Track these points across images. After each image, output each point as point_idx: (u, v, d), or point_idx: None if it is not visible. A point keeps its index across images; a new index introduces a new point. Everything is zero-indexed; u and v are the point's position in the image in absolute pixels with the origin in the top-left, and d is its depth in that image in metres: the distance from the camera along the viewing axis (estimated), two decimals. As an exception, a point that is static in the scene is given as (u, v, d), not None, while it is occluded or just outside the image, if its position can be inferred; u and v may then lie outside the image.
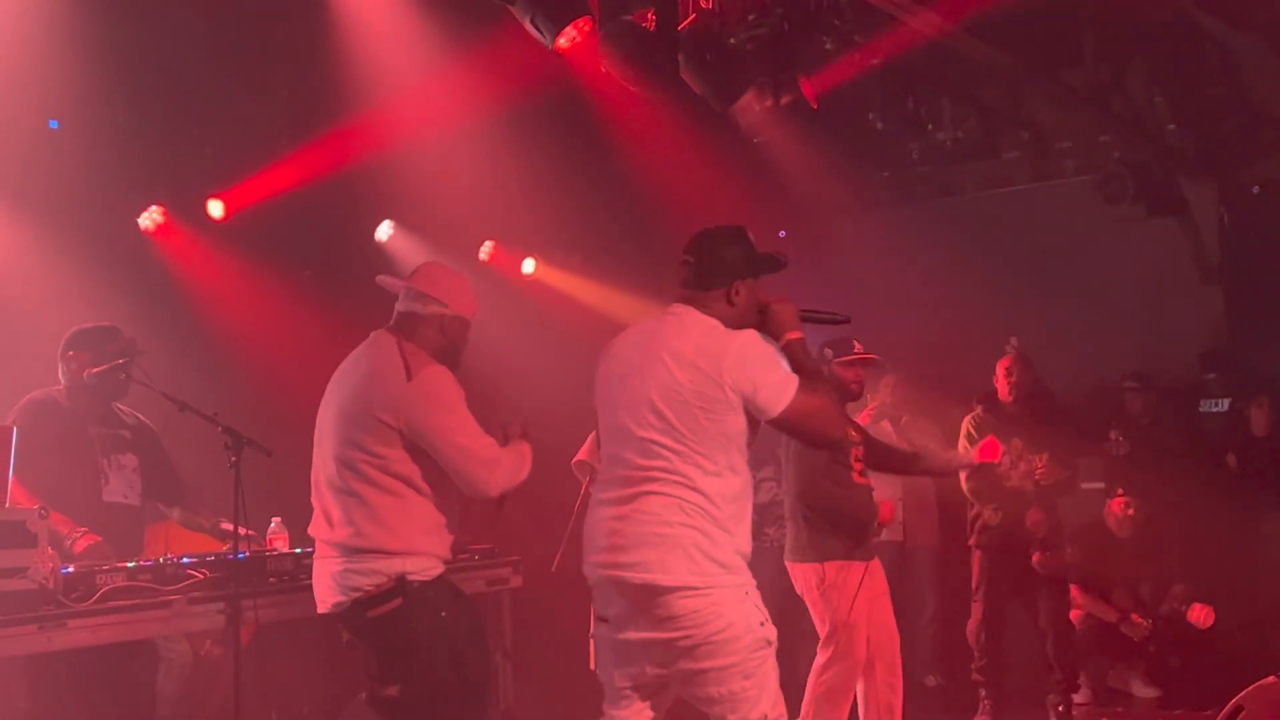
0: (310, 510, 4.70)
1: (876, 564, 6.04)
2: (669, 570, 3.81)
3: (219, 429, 5.11)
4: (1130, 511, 8.13)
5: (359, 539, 4.41)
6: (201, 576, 5.14)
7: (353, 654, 4.67)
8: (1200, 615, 7.79)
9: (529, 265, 9.45)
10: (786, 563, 6.04)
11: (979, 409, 7.62)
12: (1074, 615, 7.84)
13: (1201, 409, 8.86)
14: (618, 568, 3.92)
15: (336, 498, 4.48)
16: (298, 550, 5.56)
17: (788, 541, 6.07)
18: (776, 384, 3.85)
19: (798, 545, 5.98)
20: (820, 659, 5.91)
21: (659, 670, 3.96)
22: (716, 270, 4.03)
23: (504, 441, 4.68)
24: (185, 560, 5.21)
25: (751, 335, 3.94)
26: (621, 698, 4.06)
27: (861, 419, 8.14)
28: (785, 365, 3.91)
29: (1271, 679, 4.91)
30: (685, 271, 4.08)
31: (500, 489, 4.56)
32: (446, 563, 4.60)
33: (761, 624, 3.85)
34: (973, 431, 7.46)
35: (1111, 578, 8.06)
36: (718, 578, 3.83)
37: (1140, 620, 7.92)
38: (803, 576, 5.94)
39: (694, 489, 3.85)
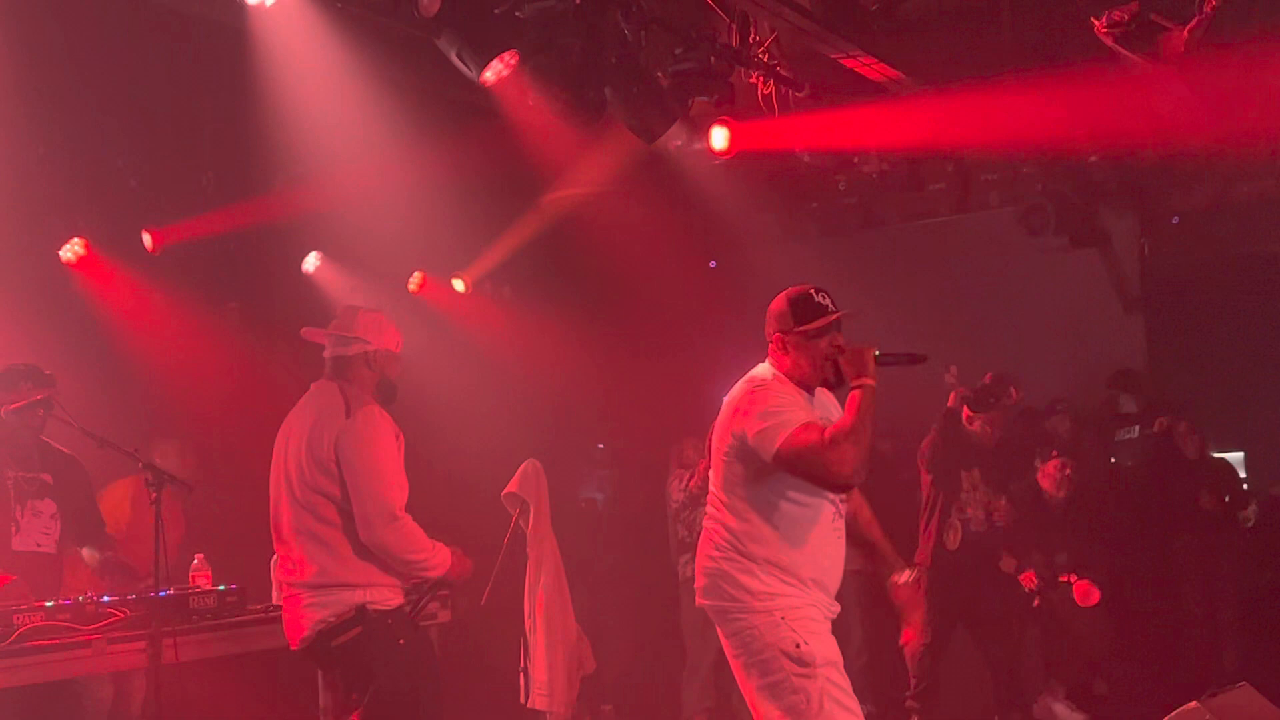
0: (235, 548, 4.68)
1: None
2: (710, 594, 4.25)
3: (139, 465, 5.03)
4: (1068, 471, 7.93)
5: (322, 576, 4.66)
6: (122, 615, 5.05)
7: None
8: (1082, 591, 7.77)
9: (459, 285, 9.41)
10: None
11: (935, 435, 7.68)
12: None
13: (1118, 436, 8.99)
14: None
15: (299, 540, 4.70)
16: (220, 588, 5.48)
17: None
18: (766, 429, 4.09)
19: None
20: None
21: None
22: (767, 325, 4.47)
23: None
24: (105, 599, 5.12)
25: (757, 384, 4.28)
26: None
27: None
28: (789, 411, 4.13)
29: (1194, 704, 4.99)
30: None
31: (382, 544, 4.65)
32: (406, 592, 4.84)
33: (798, 645, 4.09)
34: (935, 461, 7.58)
35: (1031, 541, 7.91)
36: (750, 603, 4.16)
37: (1032, 580, 7.67)
38: None
39: (722, 524, 4.26)
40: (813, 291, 4.46)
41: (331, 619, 4.64)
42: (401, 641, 4.70)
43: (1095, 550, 8.41)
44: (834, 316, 4.36)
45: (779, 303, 4.47)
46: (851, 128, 7.87)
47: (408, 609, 4.88)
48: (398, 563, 4.71)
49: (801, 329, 4.34)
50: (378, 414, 4.71)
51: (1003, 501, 7.67)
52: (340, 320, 4.92)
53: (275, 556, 5.13)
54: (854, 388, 4.20)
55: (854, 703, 4.15)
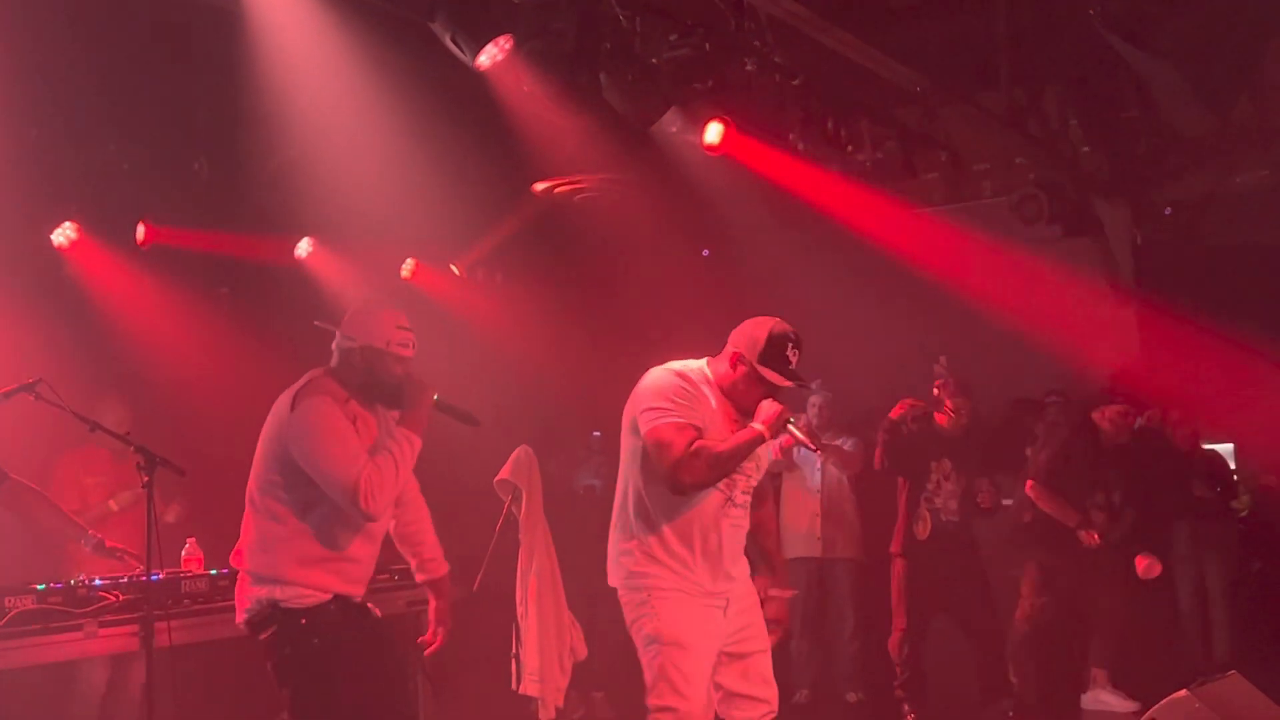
0: (227, 532, 4.67)
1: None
2: (610, 574, 4.71)
3: (131, 448, 5.02)
4: (1129, 420, 7.88)
5: (243, 562, 4.55)
6: (114, 599, 5.05)
7: (262, 677, 4.64)
8: (1144, 565, 7.81)
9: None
10: None
11: (908, 423, 7.74)
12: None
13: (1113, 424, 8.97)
14: None
15: (246, 524, 4.58)
16: (213, 572, 5.48)
17: None
18: (651, 411, 4.52)
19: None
20: None
21: None
22: (736, 335, 4.73)
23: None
24: (98, 582, 5.11)
25: (678, 374, 4.65)
26: None
27: (785, 441, 8.21)
28: (681, 408, 4.51)
29: (1184, 692, 5.00)
30: None
31: (367, 505, 4.37)
32: (343, 591, 4.57)
33: (652, 622, 4.54)
34: (900, 445, 7.63)
35: (1074, 488, 7.84)
36: (628, 582, 4.62)
37: (1093, 536, 7.62)
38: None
39: (618, 503, 4.72)
40: (790, 343, 4.68)
41: (253, 611, 4.49)
42: (316, 641, 4.46)
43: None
44: (786, 384, 4.61)
45: (759, 329, 4.68)
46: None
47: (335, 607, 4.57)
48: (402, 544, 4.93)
49: (759, 369, 4.61)
50: (317, 403, 4.44)
51: (986, 483, 7.69)
52: (347, 315, 4.78)
53: None
54: (752, 426, 4.55)
55: (692, 689, 4.49)
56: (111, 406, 6.63)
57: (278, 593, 4.44)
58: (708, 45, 6.65)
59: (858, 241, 10.08)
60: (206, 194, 7.59)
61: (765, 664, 4.76)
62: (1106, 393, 8.43)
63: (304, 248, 8.57)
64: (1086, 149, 9.33)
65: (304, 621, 4.45)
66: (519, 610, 6.80)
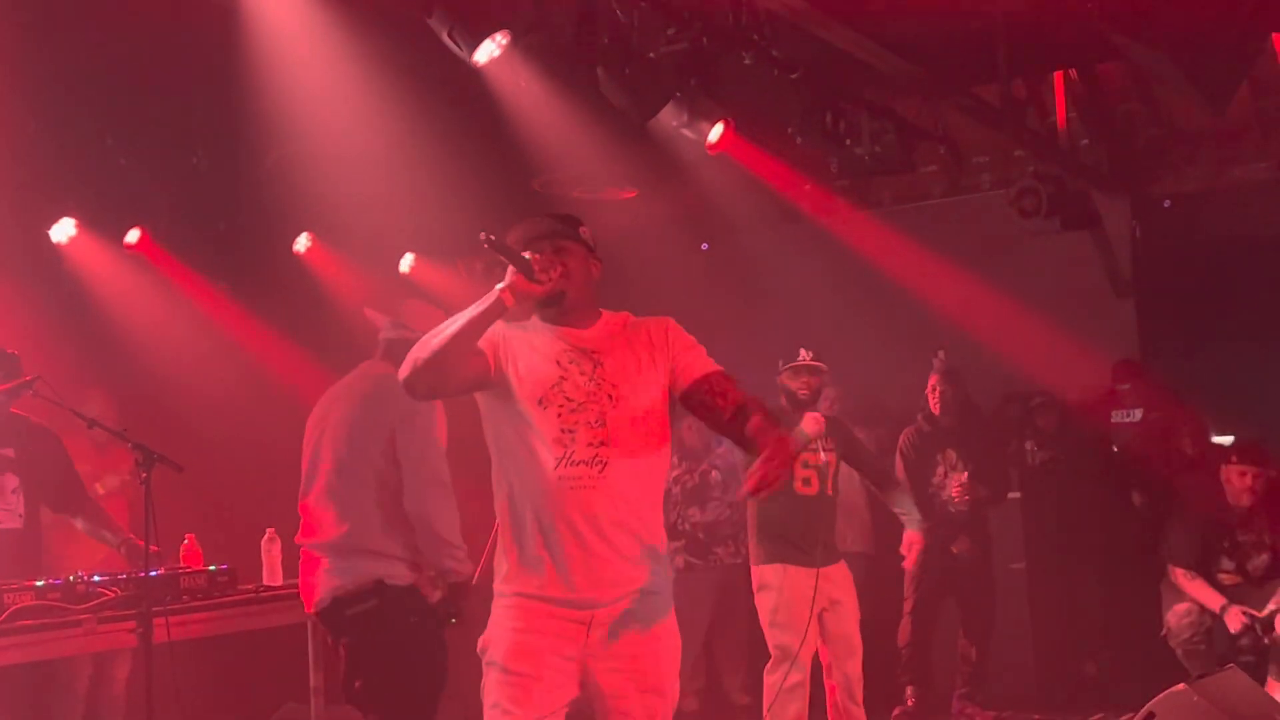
0: (226, 528, 4.69)
1: (835, 571, 6.24)
2: None
3: (128, 445, 5.03)
4: (1249, 481, 7.15)
5: (348, 539, 4.83)
6: (113, 595, 5.05)
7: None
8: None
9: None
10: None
11: (920, 421, 7.79)
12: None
13: (1113, 419, 8.99)
14: None
15: (330, 502, 4.90)
16: (211, 568, 5.49)
17: None
18: None
19: (751, 550, 6.40)
20: (769, 664, 6.18)
21: None
22: None
23: None
24: (96, 578, 5.12)
25: None
26: None
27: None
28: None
29: (1182, 686, 5.01)
30: None
31: (427, 514, 4.80)
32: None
33: (486, 637, 3.64)
34: (907, 448, 7.64)
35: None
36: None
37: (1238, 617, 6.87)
38: (754, 579, 6.33)
39: None
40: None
41: (350, 587, 4.77)
42: (413, 619, 4.81)
43: (1087, 534, 8.47)
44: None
45: None
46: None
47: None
48: (431, 537, 4.81)
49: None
50: (434, 403, 4.88)
51: (963, 476, 7.68)
52: (406, 309, 5.22)
53: (267, 534, 5.14)
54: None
55: (518, 714, 3.47)
56: (96, 399, 6.65)
57: (382, 569, 4.78)
58: (705, 39, 6.63)
59: (856, 235, 10.11)
60: (205, 189, 7.58)
61: None
62: (1108, 390, 8.46)
63: (303, 243, 8.56)
64: (1085, 142, 9.33)
65: (406, 600, 4.80)
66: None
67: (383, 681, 4.77)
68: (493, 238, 3.50)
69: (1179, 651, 6.95)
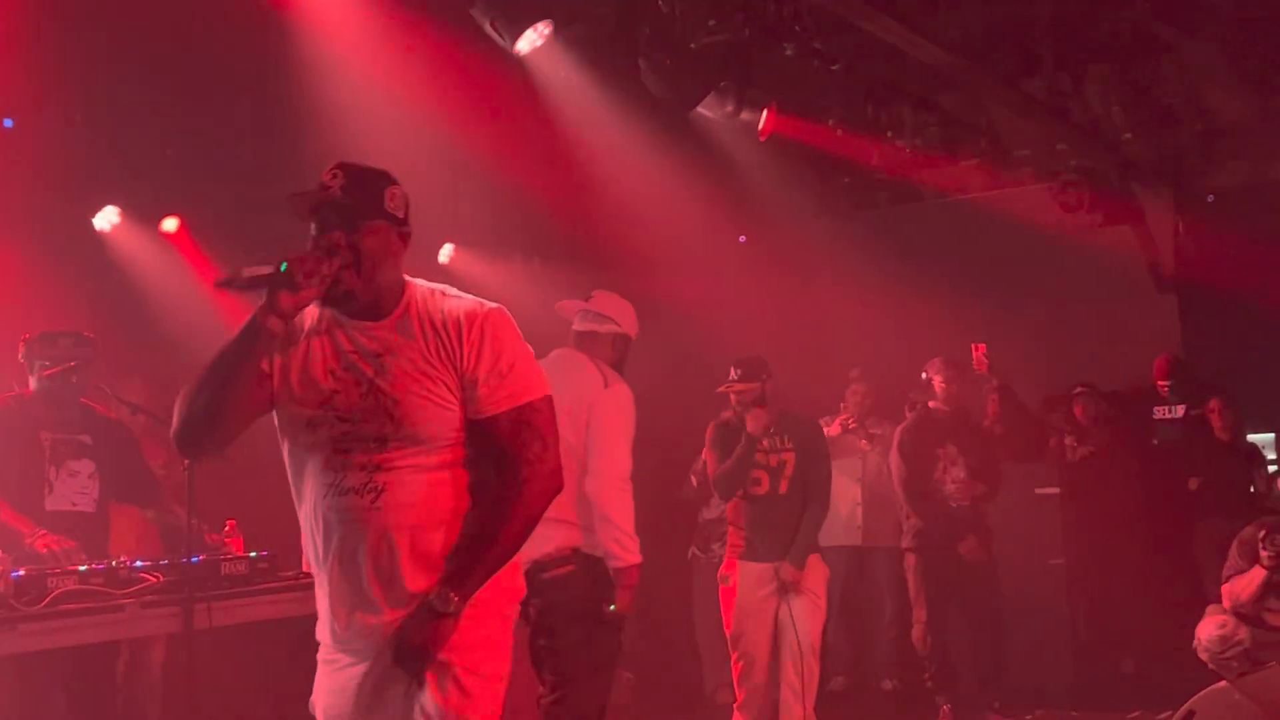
0: (266, 515, 4.71)
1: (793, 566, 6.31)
2: None
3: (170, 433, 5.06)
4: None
5: (550, 509, 4.86)
6: (155, 580, 5.08)
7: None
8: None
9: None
10: None
11: (915, 414, 7.72)
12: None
13: (1155, 415, 8.93)
14: None
15: None
16: (252, 554, 5.51)
17: None
18: None
19: None
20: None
21: None
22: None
23: None
24: (138, 564, 5.15)
25: None
26: None
27: (831, 431, 8.23)
28: None
29: (1223, 684, 4.97)
30: None
31: (603, 497, 4.96)
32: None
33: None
34: (906, 441, 7.57)
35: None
36: None
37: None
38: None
39: None
40: None
41: (549, 550, 4.91)
42: (602, 588, 5.00)
43: (1126, 530, 8.41)
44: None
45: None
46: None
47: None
48: (605, 522, 4.97)
49: None
50: (628, 391, 5.12)
51: (961, 474, 7.60)
52: (597, 299, 5.35)
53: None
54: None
55: None
56: (138, 385, 6.70)
57: (578, 538, 4.96)
58: (747, 30, 6.63)
59: (895, 229, 10.07)
60: (247, 179, 7.62)
61: None
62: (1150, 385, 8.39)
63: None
64: (1128, 135, 9.24)
65: (599, 567, 4.99)
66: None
67: (566, 642, 4.97)
68: (233, 281, 2.97)
69: (1210, 664, 6.89)
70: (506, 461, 3.02)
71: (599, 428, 5.01)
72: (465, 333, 3.00)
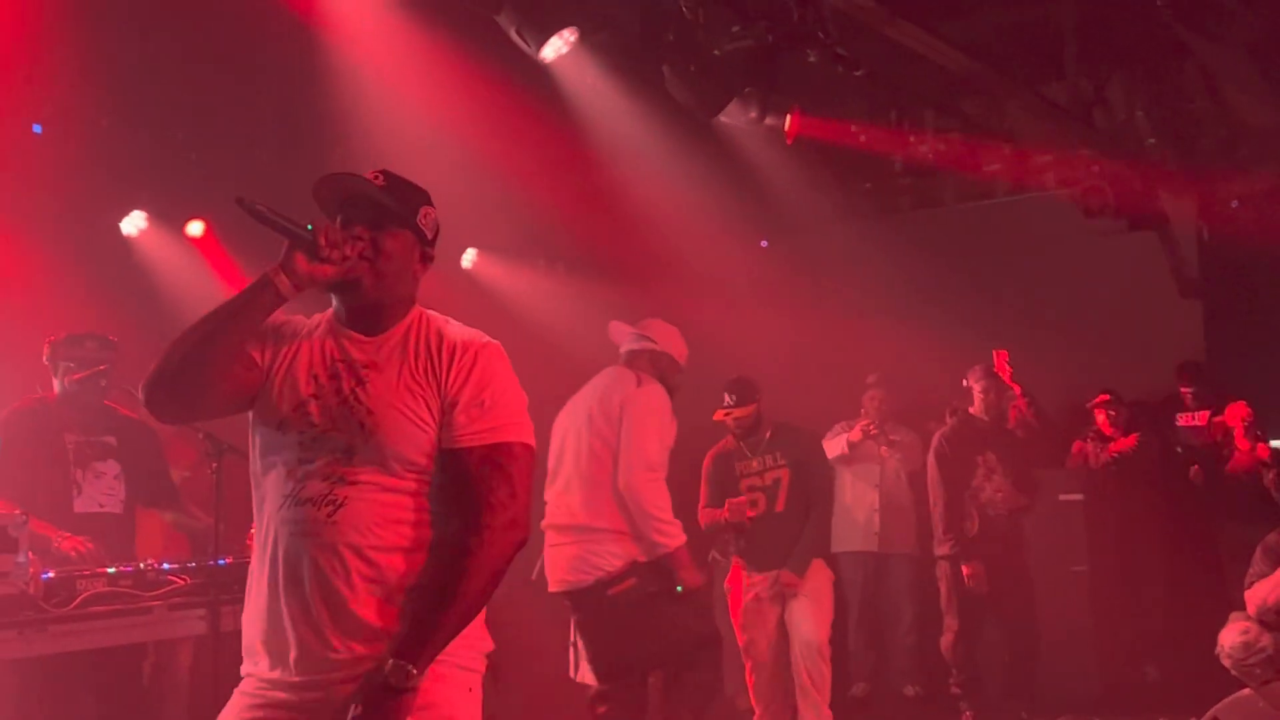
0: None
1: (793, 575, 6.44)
2: None
3: (199, 435, 5.10)
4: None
5: (598, 519, 5.24)
6: (182, 583, 5.12)
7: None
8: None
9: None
10: None
11: (955, 420, 7.68)
12: None
13: (1178, 422, 8.91)
14: None
15: (578, 486, 5.32)
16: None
17: None
18: None
19: None
20: None
21: None
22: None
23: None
24: (166, 566, 5.19)
25: None
26: None
27: (853, 436, 8.23)
28: None
29: (1247, 691, 4.96)
30: None
31: (634, 490, 5.16)
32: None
33: None
34: (944, 447, 7.51)
35: None
36: None
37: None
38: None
39: None
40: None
41: (610, 569, 5.18)
42: (664, 591, 5.21)
43: (1150, 537, 8.38)
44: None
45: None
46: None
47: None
48: (640, 514, 5.15)
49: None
50: (662, 391, 5.40)
51: (1008, 485, 7.50)
52: (643, 325, 5.71)
53: None
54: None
55: None
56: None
57: (637, 550, 5.18)
58: (770, 37, 6.65)
59: (916, 234, 10.07)
60: (273, 184, 7.66)
61: None
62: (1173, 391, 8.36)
63: (367, 237, 8.66)
64: (1152, 140, 9.23)
65: (658, 570, 5.20)
66: (577, 599, 6.85)
67: (655, 644, 5.22)
68: (258, 207, 2.80)
69: (1233, 671, 6.86)
70: (469, 502, 2.74)
71: (627, 423, 5.23)
72: (458, 357, 2.82)
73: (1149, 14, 7.64)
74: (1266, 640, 6.63)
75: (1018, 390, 8.08)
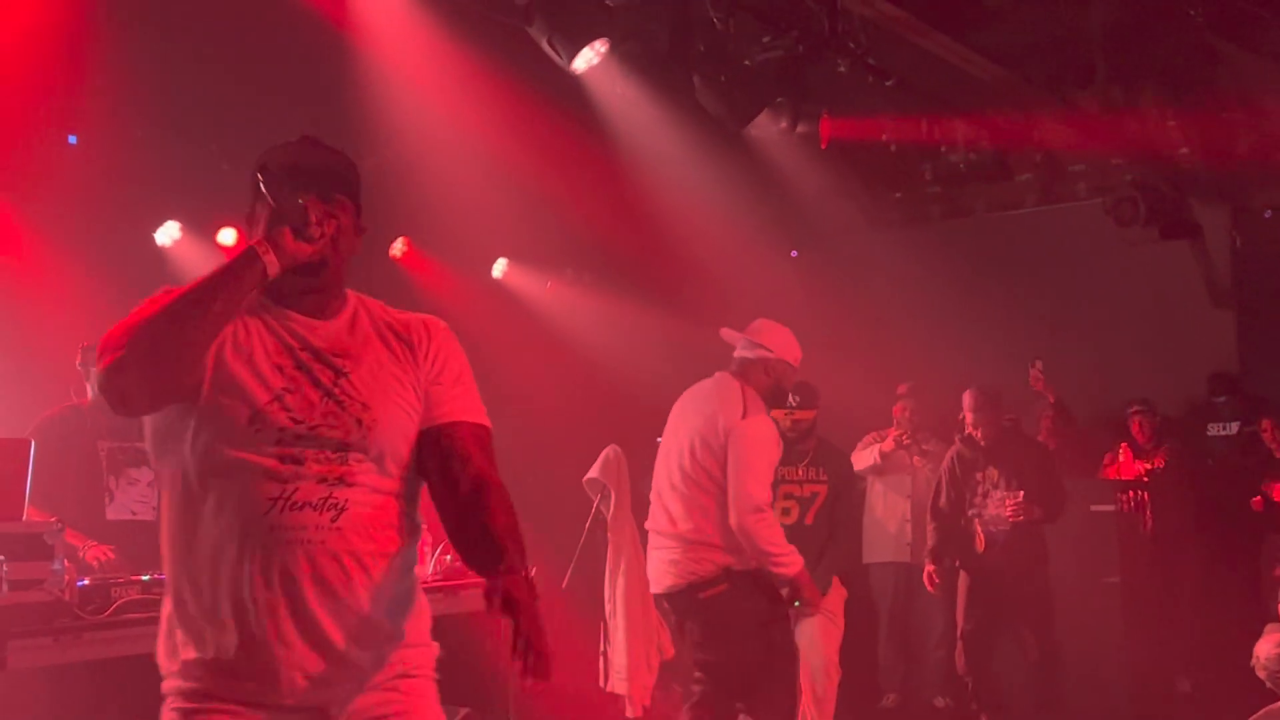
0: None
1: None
2: None
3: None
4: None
5: (695, 533, 5.28)
6: (215, 591, 5.14)
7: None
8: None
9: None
10: None
11: (959, 444, 7.58)
12: None
13: (1210, 433, 8.85)
14: None
15: (678, 498, 5.35)
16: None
17: None
18: None
19: None
20: None
21: None
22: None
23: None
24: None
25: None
26: None
27: (885, 446, 8.21)
28: None
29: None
30: None
31: (746, 530, 5.18)
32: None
33: None
34: (948, 473, 7.46)
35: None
36: None
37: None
38: None
39: None
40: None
41: (703, 574, 5.22)
42: (759, 601, 5.26)
43: (1182, 548, 8.33)
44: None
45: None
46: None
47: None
48: (755, 550, 5.20)
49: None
50: (767, 422, 5.36)
51: (1020, 494, 7.38)
52: (753, 328, 5.60)
53: None
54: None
55: None
56: None
57: (729, 558, 5.22)
58: (801, 47, 6.66)
59: (946, 243, 10.05)
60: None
61: None
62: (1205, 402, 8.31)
63: (398, 247, 8.68)
64: (1184, 150, 9.18)
65: (752, 580, 5.26)
66: (607, 609, 6.85)
67: (743, 655, 5.20)
68: (275, 177, 2.69)
69: (1268, 683, 6.80)
70: (469, 460, 2.64)
71: (733, 458, 5.21)
72: (427, 337, 2.71)
73: (1182, 22, 7.62)
74: None
75: (1051, 399, 8.04)
